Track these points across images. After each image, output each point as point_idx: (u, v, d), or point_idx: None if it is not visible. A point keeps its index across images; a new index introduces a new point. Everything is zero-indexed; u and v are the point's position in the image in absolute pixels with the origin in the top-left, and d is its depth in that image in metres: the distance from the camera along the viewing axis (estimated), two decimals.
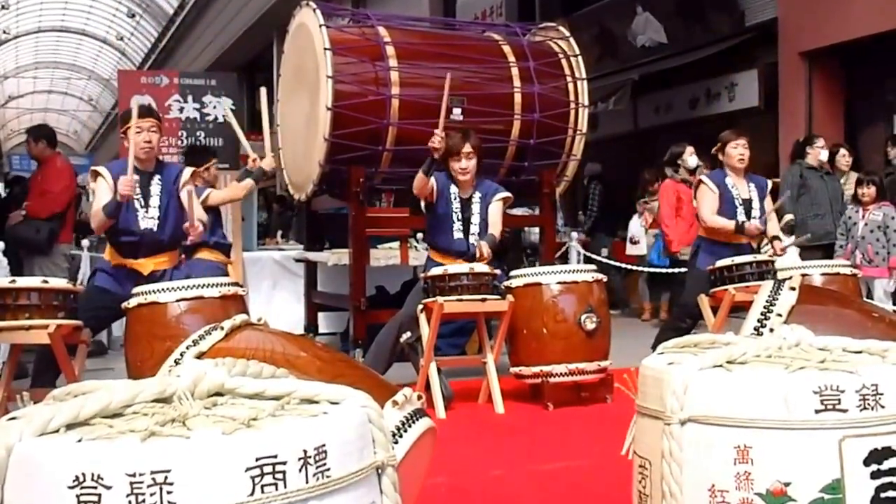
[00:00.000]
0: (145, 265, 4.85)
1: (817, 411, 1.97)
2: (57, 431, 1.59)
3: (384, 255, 7.48)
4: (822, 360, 2.08)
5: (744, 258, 5.58)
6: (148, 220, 4.87)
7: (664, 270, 9.47)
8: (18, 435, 1.56)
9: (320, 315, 8.26)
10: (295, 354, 2.55)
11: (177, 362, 2.47)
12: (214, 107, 8.64)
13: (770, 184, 6.37)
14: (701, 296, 5.73)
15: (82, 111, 46.15)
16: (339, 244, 7.75)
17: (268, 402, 1.72)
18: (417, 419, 2.29)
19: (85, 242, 8.67)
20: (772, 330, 2.78)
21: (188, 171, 5.13)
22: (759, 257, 5.67)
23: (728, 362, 2.13)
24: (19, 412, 1.73)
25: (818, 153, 8.46)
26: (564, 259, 9.14)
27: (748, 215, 6.01)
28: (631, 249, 10.21)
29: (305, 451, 1.57)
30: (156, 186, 4.94)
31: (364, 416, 1.74)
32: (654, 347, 6.02)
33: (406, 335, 5.49)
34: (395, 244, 7.59)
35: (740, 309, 5.64)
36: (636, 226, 10.22)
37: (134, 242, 4.86)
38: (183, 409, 1.66)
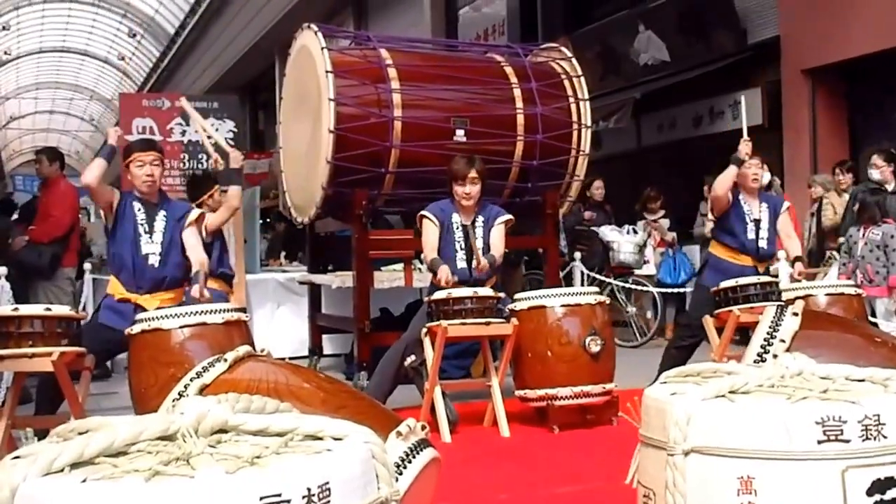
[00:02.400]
0: (150, 302, 4.83)
1: (820, 442, 1.98)
2: (61, 471, 1.60)
3: (388, 277, 7.47)
4: (824, 390, 2.09)
5: (748, 279, 5.56)
6: (150, 248, 4.87)
7: (677, 290, 9.43)
8: (23, 475, 1.57)
9: (324, 337, 8.26)
10: (298, 385, 2.56)
11: (181, 395, 2.48)
12: (217, 129, 8.65)
13: (787, 205, 6.34)
14: (706, 317, 5.72)
15: (84, 131, 46.35)
16: (342, 266, 7.76)
17: (272, 439, 1.73)
18: (421, 450, 2.29)
19: (87, 266, 8.69)
20: (775, 356, 2.78)
21: (195, 212, 5.12)
22: (764, 278, 5.65)
23: (731, 392, 2.13)
24: (23, 450, 1.73)
25: (874, 172, 8.07)
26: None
27: (757, 234, 6.00)
28: (641, 269, 10.11)
29: (309, 490, 1.57)
30: (160, 222, 4.93)
31: (368, 452, 1.75)
32: (660, 367, 6.06)
33: (410, 358, 5.48)
34: (399, 266, 7.57)
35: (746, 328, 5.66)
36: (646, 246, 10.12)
37: (135, 271, 4.85)
38: (187, 447, 1.67)
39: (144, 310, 4.74)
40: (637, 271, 9.98)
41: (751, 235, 5.99)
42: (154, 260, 4.88)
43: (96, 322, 4.93)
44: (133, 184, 4.94)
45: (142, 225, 4.88)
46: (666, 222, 10.17)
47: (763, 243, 6.01)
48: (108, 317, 4.90)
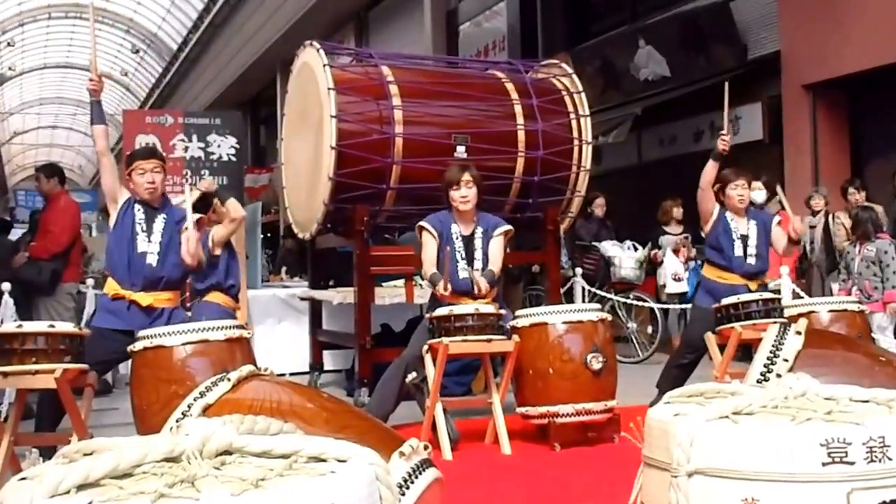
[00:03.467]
0: (144, 298, 4.89)
1: (824, 464, 1.97)
2: (68, 493, 1.60)
3: (389, 293, 7.47)
4: (828, 411, 2.08)
5: (750, 296, 5.55)
6: (147, 247, 4.94)
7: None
8: (30, 497, 1.56)
9: (325, 353, 8.26)
10: (301, 405, 2.56)
11: (184, 414, 2.48)
12: (219, 145, 8.69)
13: (777, 219, 6.34)
14: (708, 334, 5.72)
15: (87, 146, 46.47)
16: (343, 282, 7.77)
17: (276, 461, 1.73)
18: (424, 470, 2.30)
19: (90, 282, 8.68)
20: (778, 375, 2.78)
21: (195, 215, 5.19)
22: (766, 295, 5.64)
23: (734, 413, 2.13)
24: (29, 472, 1.73)
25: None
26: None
27: (745, 251, 6.00)
28: (674, 287, 9.82)
29: None
30: (160, 223, 5.01)
31: (372, 474, 1.74)
32: (658, 384, 6.07)
33: (412, 375, 5.47)
34: (401, 282, 7.59)
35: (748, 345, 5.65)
36: (676, 263, 9.93)
37: (130, 267, 4.90)
38: (192, 469, 1.67)
39: (138, 305, 4.86)
40: (672, 289, 9.83)
41: (738, 252, 5.97)
42: (152, 259, 4.95)
43: (93, 330, 4.96)
44: (136, 191, 5.00)
45: (139, 224, 4.97)
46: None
47: (751, 260, 5.99)
48: (102, 319, 5.00)
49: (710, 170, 6.01)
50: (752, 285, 5.98)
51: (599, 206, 10.28)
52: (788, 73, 10.57)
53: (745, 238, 6.00)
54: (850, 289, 7.54)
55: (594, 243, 9.94)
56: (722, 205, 6.08)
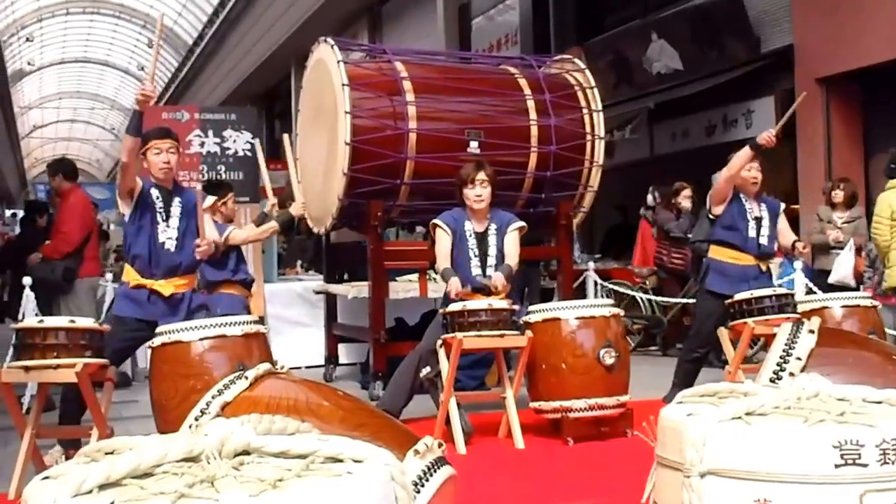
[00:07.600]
0: (165, 287, 4.91)
1: (837, 466, 1.98)
2: (90, 492, 1.63)
3: (403, 288, 7.51)
4: (841, 413, 2.09)
5: (762, 291, 5.56)
6: (167, 237, 4.94)
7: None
8: (53, 497, 1.59)
9: (341, 346, 8.30)
10: (318, 403, 2.58)
11: (203, 412, 2.51)
12: (234, 141, 8.74)
13: (783, 206, 6.36)
14: (720, 329, 5.72)
15: (104, 140, 46.79)
16: (358, 276, 7.80)
17: (294, 462, 1.75)
18: (438, 468, 2.32)
19: (108, 276, 8.72)
20: (791, 374, 2.79)
21: (210, 199, 5.23)
22: (779, 290, 5.64)
23: (747, 414, 2.14)
24: (52, 471, 1.77)
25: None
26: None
27: (758, 232, 6.03)
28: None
29: None
30: (176, 207, 5.00)
31: (387, 475, 1.77)
32: (674, 380, 6.07)
33: (426, 370, 5.50)
34: (415, 276, 7.62)
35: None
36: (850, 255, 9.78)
37: (152, 259, 4.91)
38: (211, 469, 1.70)
39: (159, 294, 4.89)
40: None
41: (752, 233, 6.02)
42: (170, 245, 4.95)
43: (112, 315, 5.00)
44: (149, 171, 4.99)
45: (160, 213, 4.94)
46: None
47: (764, 240, 6.06)
48: (121, 306, 5.00)
49: (744, 158, 5.95)
50: (763, 265, 6.04)
51: (686, 198, 9.52)
52: (802, 66, 10.54)
53: (758, 220, 6.07)
54: (876, 284, 7.53)
55: (687, 236, 9.06)
56: (734, 186, 6.08)
